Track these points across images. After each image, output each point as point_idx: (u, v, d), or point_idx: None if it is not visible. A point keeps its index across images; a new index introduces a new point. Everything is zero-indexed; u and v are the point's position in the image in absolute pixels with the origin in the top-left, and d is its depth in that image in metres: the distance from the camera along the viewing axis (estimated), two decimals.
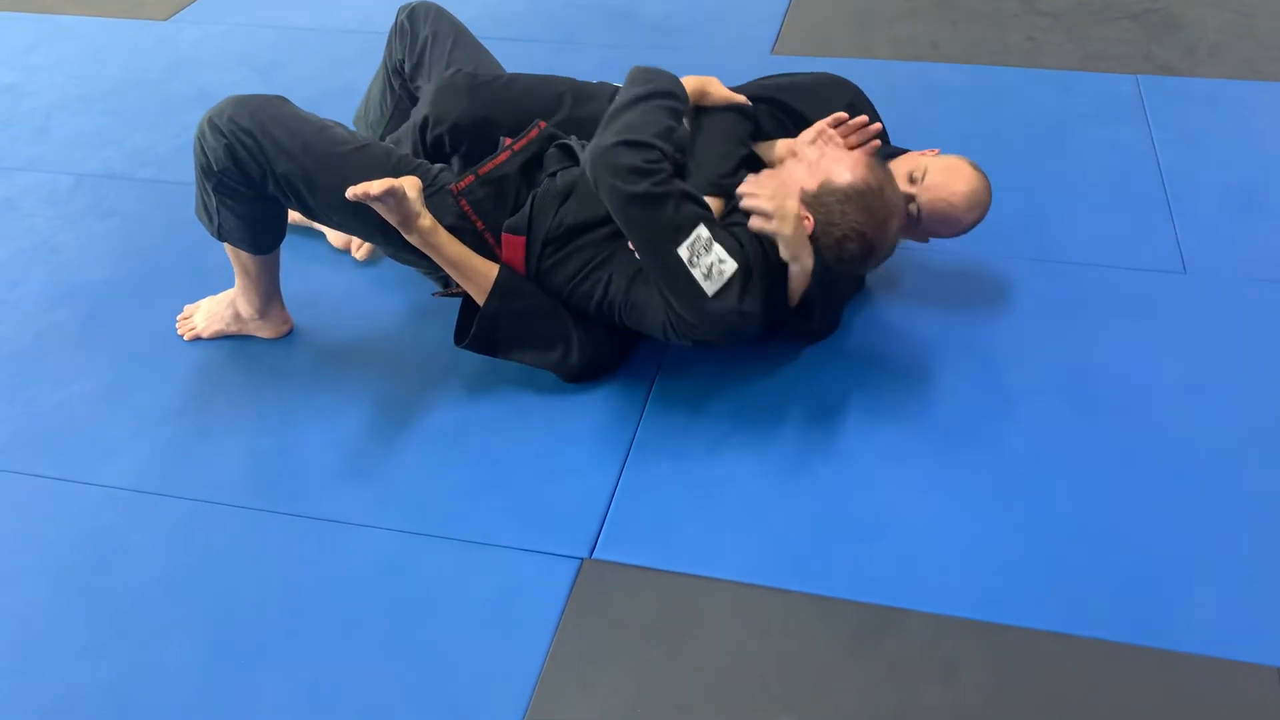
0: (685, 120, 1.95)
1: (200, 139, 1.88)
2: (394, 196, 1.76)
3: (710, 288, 1.77)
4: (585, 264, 1.91)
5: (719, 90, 2.01)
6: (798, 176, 1.86)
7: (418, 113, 2.11)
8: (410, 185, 1.82)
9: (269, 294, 2.11)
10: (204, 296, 2.18)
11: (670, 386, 2.01)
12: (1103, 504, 1.77)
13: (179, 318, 2.19)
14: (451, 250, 1.88)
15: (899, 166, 2.02)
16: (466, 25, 2.33)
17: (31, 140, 2.90)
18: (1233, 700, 1.49)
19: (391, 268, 2.35)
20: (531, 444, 1.91)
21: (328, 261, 2.36)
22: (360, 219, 1.91)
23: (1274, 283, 2.22)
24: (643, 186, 1.74)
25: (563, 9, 3.45)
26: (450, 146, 2.07)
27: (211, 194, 1.92)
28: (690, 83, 1.97)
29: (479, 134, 2.06)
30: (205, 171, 1.90)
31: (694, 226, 1.76)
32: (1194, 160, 2.62)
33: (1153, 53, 3.15)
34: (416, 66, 2.24)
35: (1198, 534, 1.71)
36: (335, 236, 2.38)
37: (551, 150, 2.00)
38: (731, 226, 1.85)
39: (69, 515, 1.82)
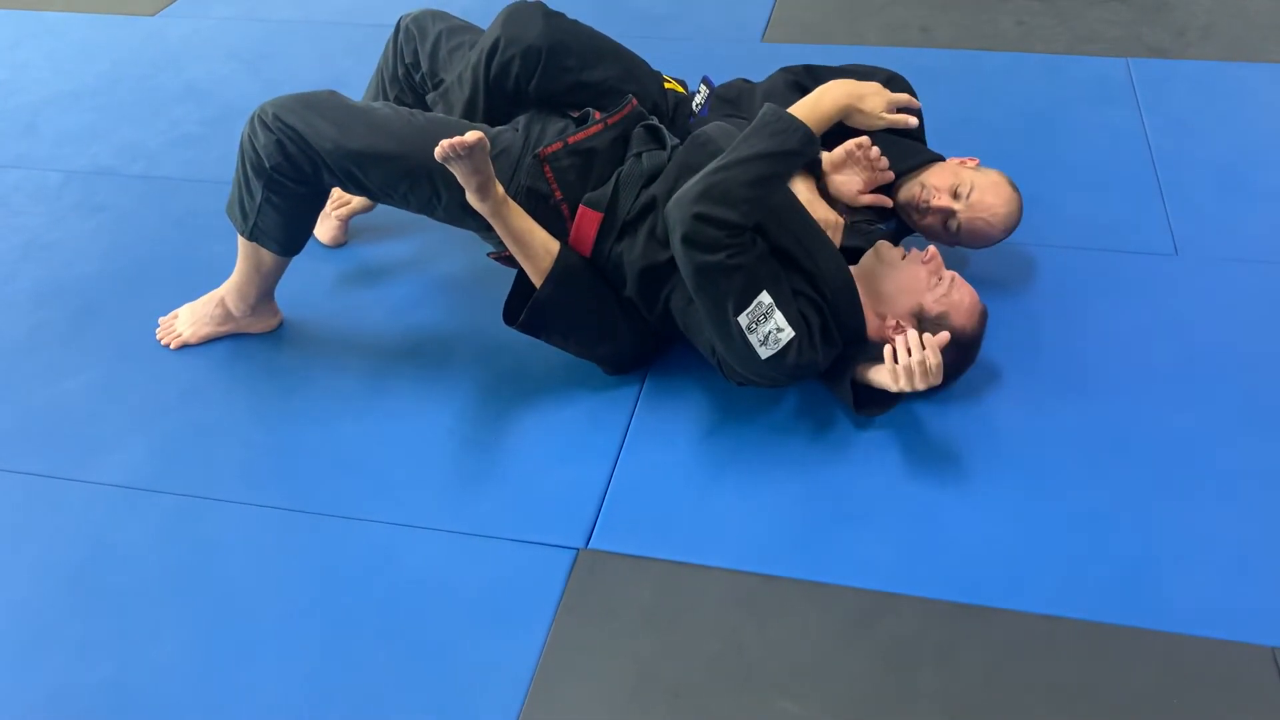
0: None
1: (250, 137, 1.87)
2: (483, 149, 1.69)
3: (765, 352, 1.73)
4: (658, 258, 1.84)
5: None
6: (920, 287, 1.83)
7: (485, 39, 2.02)
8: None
9: (267, 291, 2.09)
10: (195, 291, 2.16)
11: (664, 375, 2.01)
12: (1096, 486, 1.77)
13: (159, 330, 2.15)
14: (518, 222, 1.82)
15: (942, 177, 2.02)
16: (457, 15, 2.30)
17: (20, 137, 2.89)
18: (1228, 681, 1.49)
19: (380, 260, 2.35)
20: (525, 435, 1.91)
21: (317, 256, 2.35)
22: (419, 191, 1.88)
23: (1266, 264, 2.23)
24: (717, 258, 1.69)
25: None
26: (518, 74, 1.99)
27: (259, 191, 1.89)
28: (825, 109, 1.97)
29: (552, 62, 1.99)
30: (255, 170, 1.88)
31: (757, 293, 1.71)
32: (1185, 142, 2.62)
33: (1143, 35, 3.14)
34: (433, 61, 2.18)
35: (1191, 515, 1.72)
36: (324, 232, 2.37)
37: (639, 130, 1.95)
38: (798, 297, 1.78)
39: (62, 512, 1.81)
